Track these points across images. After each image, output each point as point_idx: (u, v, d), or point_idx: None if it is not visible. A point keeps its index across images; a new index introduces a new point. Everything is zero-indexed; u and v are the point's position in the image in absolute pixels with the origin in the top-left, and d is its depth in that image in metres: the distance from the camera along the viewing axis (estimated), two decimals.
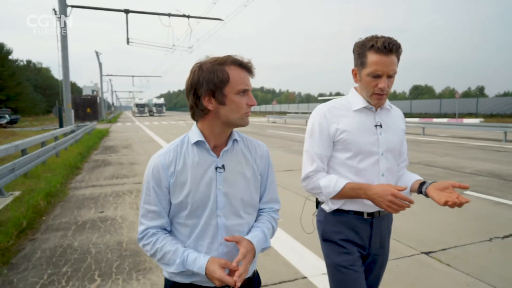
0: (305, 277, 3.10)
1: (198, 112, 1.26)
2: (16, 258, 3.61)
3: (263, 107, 69.00)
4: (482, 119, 25.91)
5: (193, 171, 1.26)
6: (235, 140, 1.33)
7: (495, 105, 30.98)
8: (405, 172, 1.76)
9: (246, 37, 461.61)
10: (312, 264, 3.34)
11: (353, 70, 1.62)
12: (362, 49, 1.52)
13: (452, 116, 29.60)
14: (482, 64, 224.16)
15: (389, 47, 1.46)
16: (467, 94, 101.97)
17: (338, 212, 1.65)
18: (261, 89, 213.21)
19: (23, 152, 7.63)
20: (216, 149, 1.30)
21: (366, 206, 1.61)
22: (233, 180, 1.30)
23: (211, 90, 1.20)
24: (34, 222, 4.64)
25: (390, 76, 1.51)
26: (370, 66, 1.50)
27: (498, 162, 9.08)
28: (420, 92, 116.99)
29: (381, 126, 1.61)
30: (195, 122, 1.31)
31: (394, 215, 1.75)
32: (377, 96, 1.55)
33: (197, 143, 1.28)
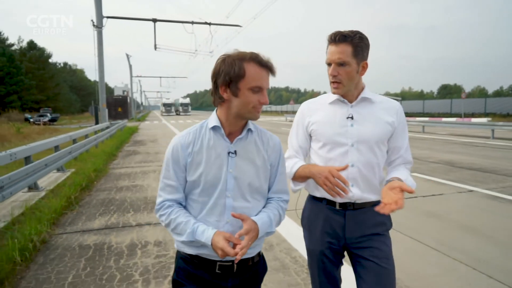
0: None
1: (216, 99, 1.36)
2: (81, 202, 5.69)
3: (284, 107, 70.27)
4: (489, 119, 26.53)
5: (208, 153, 1.36)
6: (250, 130, 1.41)
7: (511, 105, 31.24)
8: (398, 169, 1.71)
9: (269, 37, 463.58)
10: None
11: None
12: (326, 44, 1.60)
13: (460, 115, 30.30)
14: None
15: (334, 37, 1.54)
16: (498, 94, 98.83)
17: (314, 200, 1.75)
18: (286, 88, 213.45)
19: (74, 141, 9.88)
20: (231, 136, 1.39)
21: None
22: (243, 165, 1.38)
23: (227, 82, 1.29)
24: (89, 186, 6.76)
25: (341, 64, 1.54)
26: (326, 56, 1.59)
27: (466, 154, 10.48)
28: (448, 91, 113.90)
29: (352, 118, 1.63)
30: (215, 109, 1.42)
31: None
32: (332, 84, 1.60)
33: (214, 128, 1.37)
